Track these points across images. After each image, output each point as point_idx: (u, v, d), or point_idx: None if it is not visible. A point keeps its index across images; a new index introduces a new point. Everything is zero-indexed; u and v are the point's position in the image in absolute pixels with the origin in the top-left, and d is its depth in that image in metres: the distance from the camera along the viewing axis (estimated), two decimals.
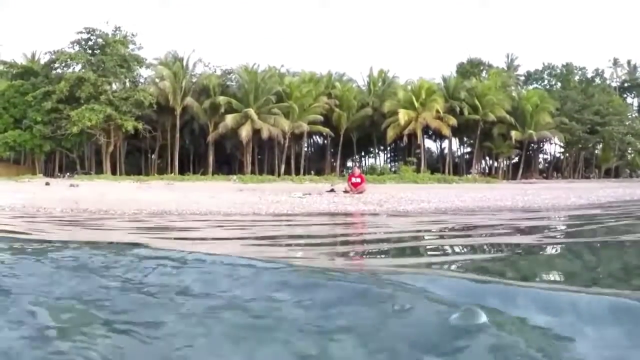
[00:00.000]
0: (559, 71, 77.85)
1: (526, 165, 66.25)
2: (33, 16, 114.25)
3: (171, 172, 54.27)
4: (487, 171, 68.83)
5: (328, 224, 10.42)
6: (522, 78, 77.40)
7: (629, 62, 77.61)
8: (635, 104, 78.76)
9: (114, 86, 53.71)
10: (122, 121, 50.90)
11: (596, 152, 70.45)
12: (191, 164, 59.13)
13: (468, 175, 59.87)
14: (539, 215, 12.25)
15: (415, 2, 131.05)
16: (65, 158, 56.82)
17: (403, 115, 55.83)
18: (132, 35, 54.97)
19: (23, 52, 63.49)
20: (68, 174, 50.98)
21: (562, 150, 72.07)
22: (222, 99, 54.02)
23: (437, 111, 57.19)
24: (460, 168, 66.98)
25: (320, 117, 56.56)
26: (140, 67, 56.83)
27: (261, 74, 57.36)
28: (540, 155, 75.89)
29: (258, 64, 58.58)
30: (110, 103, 50.78)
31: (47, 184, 32.52)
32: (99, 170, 53.15)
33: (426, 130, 60.36)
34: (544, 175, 70.01)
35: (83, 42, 53.87)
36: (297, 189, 26.99)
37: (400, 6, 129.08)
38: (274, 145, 57.58)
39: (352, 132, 60.08)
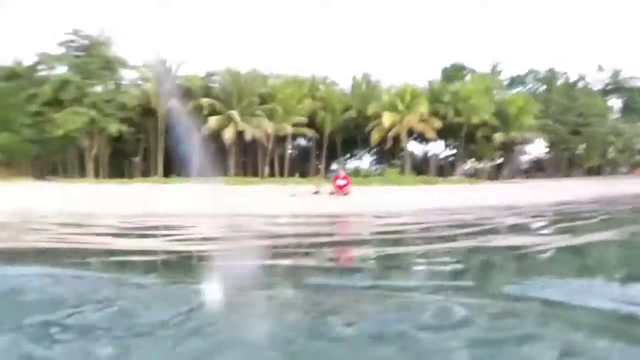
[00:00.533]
0: (542, 76, 78.61)
1: (510, 166, 66.74)
2: (18, 19, 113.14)
3: (155, 175, 53.88)
4: (472, 172, 69.16)
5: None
6: (506, 82, 77.85)
7: (610, 66, 78.36)
8: (618, 105, 79.53)
9: (98, 89, 53.18)
10: (106, 124, 50.49)
11: (578, 152, 71.17)
12: (175, 166, 58.78)
13: (452, 177, 60.12)
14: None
15: (400, 9, 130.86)
16: (49, 161, 56.21)
17: (387, 118, 55.94)
18: (116, 37, 54.66)
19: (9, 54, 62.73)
20: (51, 177, 50.40)
21: (546, 150, 72.79)
22: (205, 101, 53.81)
23: (422, 114, 57.38)
24: (444, 170, 67.27)
25: (304, 119, 56.54)
26: (123, 69, 56.38)
27: (244, 76, 57.22)
28: (524, 156, 76.50)
29: (241, 66, 58.51)
30: (94, 106, 50.30)
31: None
32: (82, 174, 52.67)
33: (411, 133, 60.52)
34: (527, 175, 70.55)
35: (68, 43, 53.35)
36: (283, 191, 26.95)
37: (385, 12, 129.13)
38: (258, 148, 57.43)
39: (336, 135, 60.05)
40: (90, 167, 53.19)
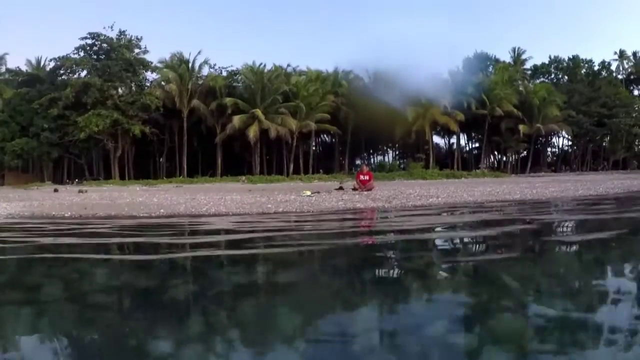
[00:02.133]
0: (565, 64, 77.70)
1: (534, 158, 66.07)
2: (38, 23, 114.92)
3: (180, 175, 54.23)
4: (495, 166, 68.57)
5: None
6: (529, 72, 77.05)
7: (634, 54, 77.12)
8: None
9: (120, 91, 53.37)
10: (129, 125, 50.87)
11: (604, 144, 70.12)
12: (200, 166, 59.02)
13: (477, 170, 59.66)
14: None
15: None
16: (74, 164, 56.86)
17: (411, 112, 55.66)
18: (137, 39, 54.87)
19: (27, 58, 63.84)
20: (77, 180, 51.00)
21: (570, 143, 71.90)
22: (228, 100, 53.95)
23: (445, 107, 56.97)
24: (469, 163, 66.84)
25: (328, 116, 56.41)
26: (146, 71, 56.50)
27: (267, 74, 57.24)
28: (549, 149, 75.82)
29: (264, 64, 58.60)
30: (117, 108, 50.60)
31: (56, 190, 32.54)
32: (108, 176, 53.23)
33: (434, 126, 60.12)
34: (553, 168, 69.82)
35: (88, 48, 53.67)
36: (306, 188, 26.97)
37: (405, 2, 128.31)
38: (282, 145, 57.48)
39: (360, 130, 59.77)
40: (115, 169, 53.60)
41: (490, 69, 70.28)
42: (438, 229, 9.00)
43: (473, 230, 8.36)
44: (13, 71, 61.05)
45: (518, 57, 74.60)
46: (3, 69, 62.68)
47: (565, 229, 8.74)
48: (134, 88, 54.50)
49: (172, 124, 56.61)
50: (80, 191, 29.53)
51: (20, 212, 15.32)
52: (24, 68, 61.48)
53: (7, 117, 53.14)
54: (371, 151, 72.43)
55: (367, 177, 21.27)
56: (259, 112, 53.24)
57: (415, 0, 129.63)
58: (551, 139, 73.01)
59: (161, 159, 61.65)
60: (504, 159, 68.68)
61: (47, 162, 54.98)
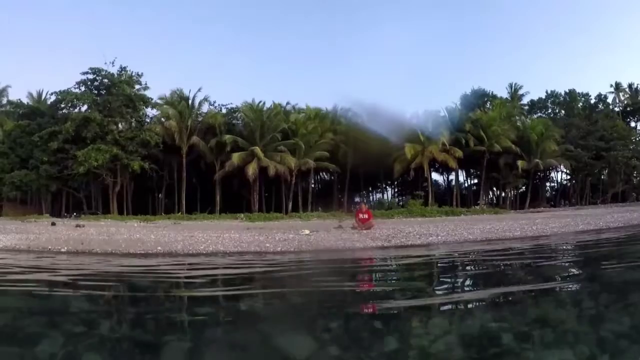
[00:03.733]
0: (562, 99, 78.49)
1: (533, 194, 65.99)
2: (40, 57, 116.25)
3: (179, 212, 54.07)
4: (494, 202, 68.46)
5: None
6: (527, 107, 77.64)
7: (630, 86, 77.89)
8: (639, 127, 78.81)
9: (120, 126, 53.64)
10: (129, 161, 50.98)
11: (602, 177, 70.20)
12: (198, 202, 58.87)
13: (475, 207, 59.56)
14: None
15: (417, 36, 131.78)
16: (72, 198, 56.87)
17: (409, 150, 55.89)
18: (138, 75, 55.47)
19: (29, 91, 64.47)
20: (75, 213, 50.77)
21: (569, 177, 71.99)
22: (228, 138, 54.18)
23: (443, 144, 57.15)
24: (467, 199, 66.76)
25: (327, 154, 56.56)
26: (146, 107, 56.95)
27: (266, 111, 57.63)
28: (547, 184, 75.83)
29: (263, 102, 59.03)
30: (117, 143, 50.81)
31: (53, 224, 32.36)
32: (106, 210, 53.03)
33: (433, 163, 60.21)
34: (552, 203, 69.75)
35: (89, 83, 54.13)
36: (305, 226, 26.84)
37: (402, 41, 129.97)
38: (281, 183, 57.44)
39: (359, 168, 59.76)
40: (114, 203, 53.51)
41: (488, 104, 70.77)
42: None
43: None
44: (14, 103, 61.71)
45: (515, 93, 75.26)
46: (4, 101, 63.49)
47: None
48: (134, 124, 54.85)
49: (172, 160, 56.70)
50: (77, 225, 29.37)
51: (17, 245, 15.23)
52: (25, 100, 62.31)
53: (7, 149, 53.33)
54: (370, 188, 72.46)
55: (366, 216, 21.22)
56: (258, 149, 53.38)
57: (413, 39, 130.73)
58: (550, 173, 73.11)
59: (160, 195, 61.59)
60: (503, 194, 68.56)
61: (46, 195, 54.94)
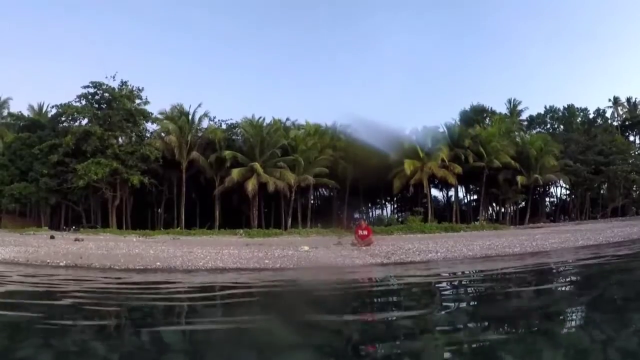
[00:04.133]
0: (561, 114, 78.79)
1: (533, 209, 65.98)
2: (41, 69, 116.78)
3: (178, 227, 53.99)
4: (494, 217, 68.41)
5: None
6: (526, 123, 77.94)
7: (628, 100, 78.34)
8: (637, 141, 79.12)
9: (120, 140, 53.78)
10: (128, 175, 51.01)
11: (602, 191, 70.19)
12: (198, 217, 58.79)
13: (475, 223, 59.49)
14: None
15: (417, 53, 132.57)
16: (71, 211, 56.85)
17: (408, 166, 55.91)
18: (139, 89, 55.63)
19: (30, 104, 64.88)
20: (74, 227, 50.76)
21: (568, 192, 72.02)
22: (227, 153, 54.28)
23: (442, 160, 57.23)
24: (467, 215, 66.70)
25: (326, 170, 56.58)
26: (146, 122, 57.03)
27: (266, 127, 57.74)
28: (547, 199, 75.88)
29: (263, 118, 59.19)
30: (117, 157, 50.88)
31: (52, 237, 32.25)
32: (105, 224, 52.97)
33: (432, 179, 60.22)
34: (551, 218, 69.68)
35: (90, 96, 54.15)
36: (304, 242, 26.81)
37: (402, 57, 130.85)
38: (280, 198, 57.40)
39: (358, 184, 59.72)
40: (113, 217, 53.47)
41: (487, 120, 70.99)
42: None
43: None
44: (15, 115, 62.01)
45: (514, 108, 75.58)
46: (5, 113, 63.65)
47: None
48: (134, 138, 54.88)
49: (171, 175, 56.74)
50: (76, 239, 29.34)
51: (15, 258, 15.21)
52: (26, 113, 62.73)
53: (7, 161, 53.45)
54: (369, 205, 72.40)
55: (365, 232, 21.19)
56: (257, 165, 53.44)
57: (413, 55, 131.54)
58: (549, 188, 73.17)
59: (159, 210, 61.56)
60: (503, 210, 68.54)
61: (45, 208, 54.89)
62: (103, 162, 49.61)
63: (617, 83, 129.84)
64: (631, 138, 78.24)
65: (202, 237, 41.65)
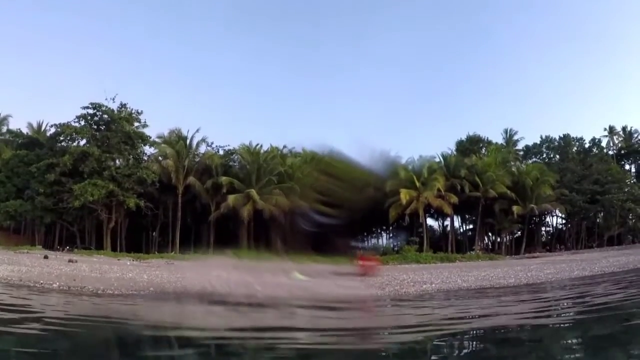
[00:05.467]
0: (556, 143, 79.16)
1: (529, 239, 65.98)
2: (40, 87, 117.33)
3: (172, 250, 53.68)
4: (490, 247, 68.29)
5: None
6: (521, 153, 78.29)
7: (624, 129, 78.88)
8: (633, 170, 79.40)
9: (118, 162, 53.74)
10: (124, 198, 50.92)
11: (598, 220, 70.15)
12: (192, 242, 58.50)
13: (471, 252, 59.40)
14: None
15: (415, 80, 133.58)
16: (66, 231, 56.54)
17: (404, 195, 55.80)
18: (138, 112, 55.64)
19: (29, 122, 65.17)
20: (68, 247, 50.43)
21: (564, 221, 72.05)
22: (224, 179, 54.32)
23: (439, 190, 57.27)
24: (463, 245, 66.59)
25: (322, 197, 56.38)
26: (144, 145, 56.89)
27: (263, 154, 57.86)
28: (543, 228, 75.79)
29: (260, 145, 59.30)
30: (113, 179, 50.82)
31: (46, 257, 32.17)
32: (99, 246, 52.64)
33: (428, 208, 60.22)
34: (547, 247, 69.53)
35: (89, 117, 54.08)
36: (297, 268, 26.60)
37: (396, 86, 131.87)
38: (275, 223, 57.20)
39: (355, 212, 59.37)
40: (107, 239, 53.19)
41: (483, 150, 71.27)
42: None
43: None
44: (14, 133, 62.13)
45: (510, 138, 75.93)
46: (4, 130, 63.76)
47: None
48: (131, 161, 54.76)
49: (167, 199, 56.64)
50: (70, 260, 29.27)
51: (8, 277, 15.14)
52: (25, 130, 62.77)
53: (4, 178, 53.37)
54: (365, 233, 72.23)
55: (371, 263, 20.85)
56: (253, 192, 53.47)
57: (409, 87, 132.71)
58: (545, 218, 73.20)
59: (154, 233, 61.36)
60: (498, 240, 68.43)
61: (40, 226, 54.79)
62: (100, 183, 49.48)
63: (612, 112, 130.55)
64: (627, 167, 78.58)
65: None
